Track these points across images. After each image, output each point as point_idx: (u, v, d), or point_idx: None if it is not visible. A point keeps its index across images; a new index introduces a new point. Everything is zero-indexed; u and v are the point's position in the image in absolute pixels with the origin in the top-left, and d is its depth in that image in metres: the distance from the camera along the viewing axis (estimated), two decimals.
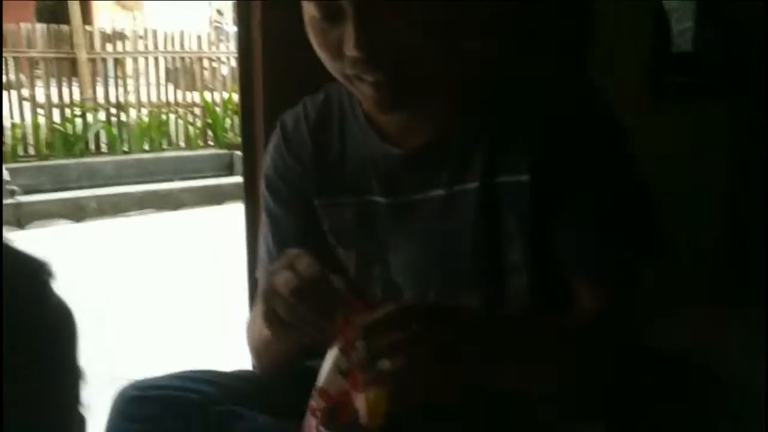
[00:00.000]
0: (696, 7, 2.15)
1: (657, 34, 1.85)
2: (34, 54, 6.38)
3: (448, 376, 0.84)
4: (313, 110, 1.09)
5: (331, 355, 0.80)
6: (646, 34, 1.84)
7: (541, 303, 0.99)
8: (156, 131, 6.69)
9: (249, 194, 1.46)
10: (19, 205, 4.68)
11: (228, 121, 6.96)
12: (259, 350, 1.10)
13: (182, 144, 6.83)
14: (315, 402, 0.80)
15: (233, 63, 7.29)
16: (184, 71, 7.10)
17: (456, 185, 0.99)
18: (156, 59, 6.92)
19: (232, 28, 11.32)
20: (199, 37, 7.33)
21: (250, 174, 1.52)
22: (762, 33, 2.05)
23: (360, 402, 0.77)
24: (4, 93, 6.17)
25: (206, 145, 6.91)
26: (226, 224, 3.75)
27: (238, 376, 1.16)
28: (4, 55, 6.16)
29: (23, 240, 3.93)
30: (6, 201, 4.56)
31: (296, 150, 1.10)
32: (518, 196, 0.96)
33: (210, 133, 6.95)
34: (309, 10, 0.88)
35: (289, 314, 0.84)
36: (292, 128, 1.11)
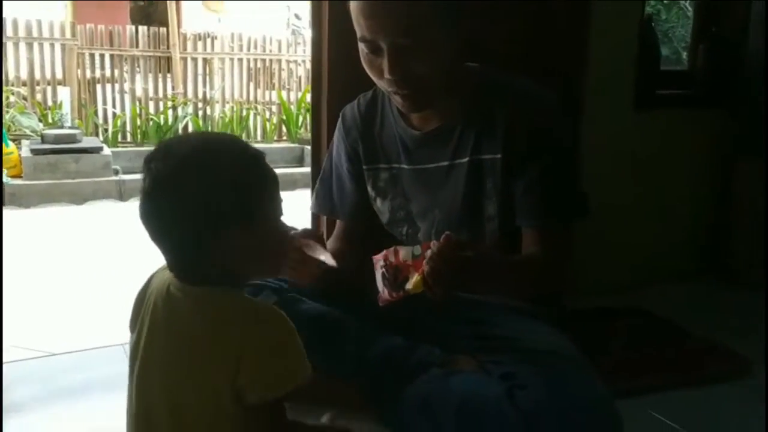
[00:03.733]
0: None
1: (643, 55, 2.15)
2: (136, 53, 6.72)
3: (455, 281, 1.14)
4: (364, 104, 1.43)
5: (408, 250, 1.12)
6: (633, 55, 2.14)
7: (506, 241, 1.32)
8: (237, 125, 6.89)
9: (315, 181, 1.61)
10: (122, 182, 5.09)
11: (300, 118, 7.09)
12: None
13: (259, 137, 7.00)
14: (389, 254, 1.13)
15: (308, 65, 7.49)
16: (263, 72, 7.29)
17: (455, 159, 1.32)
18: (240, 60, 7.14)
19: (308, 32, 11.41)
20: (279, 42, 7.48)
21: (316, 164, 1.75)
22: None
23: (413, 276, 1.10)
24: (108, 86, 6.56)
25: (280, 140, 7.08)
26: (297, 207, 4.21)
27: None
28: (111, 52, 6.59)
29: (124, 210, 4.48)
30: (111, 178, 5.02)
31: (349, 132, 1.44)
32: (493, 169, 1.29)
33: (284, 128, 7.14)
34: (361, 47, 1.22)
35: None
36: (349, 117, 1.45)
